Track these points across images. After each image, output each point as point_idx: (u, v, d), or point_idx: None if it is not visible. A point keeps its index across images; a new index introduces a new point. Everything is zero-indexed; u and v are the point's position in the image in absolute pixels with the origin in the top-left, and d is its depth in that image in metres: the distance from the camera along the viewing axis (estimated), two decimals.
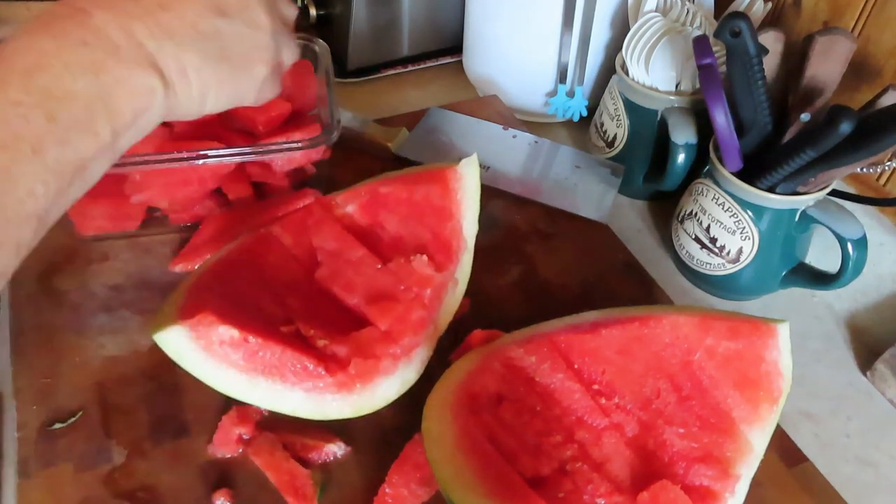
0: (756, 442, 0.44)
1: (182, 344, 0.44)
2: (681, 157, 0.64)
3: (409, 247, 0.54)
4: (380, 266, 0.52)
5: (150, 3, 0.36)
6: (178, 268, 0.56)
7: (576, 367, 0.47)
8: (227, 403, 0.46)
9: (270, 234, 0.54)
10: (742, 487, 0.43)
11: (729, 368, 0.45)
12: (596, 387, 0.47)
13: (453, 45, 0.90)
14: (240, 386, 0.45)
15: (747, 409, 0.44)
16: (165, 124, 0.58)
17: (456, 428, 0.42)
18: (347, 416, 0.45)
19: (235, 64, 0.41)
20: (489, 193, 0.67)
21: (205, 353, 0.44)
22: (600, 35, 0.75)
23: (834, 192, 0.59)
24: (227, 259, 0.52)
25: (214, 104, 0.41)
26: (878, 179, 0.63)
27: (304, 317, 0.49)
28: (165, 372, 0.49)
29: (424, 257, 0.51)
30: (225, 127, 0.57)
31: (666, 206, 0.72)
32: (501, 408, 0.44)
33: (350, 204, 0.56)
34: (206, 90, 0.40)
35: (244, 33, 0.41)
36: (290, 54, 0.48)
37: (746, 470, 0.43)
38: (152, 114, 0.37)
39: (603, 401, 0.46)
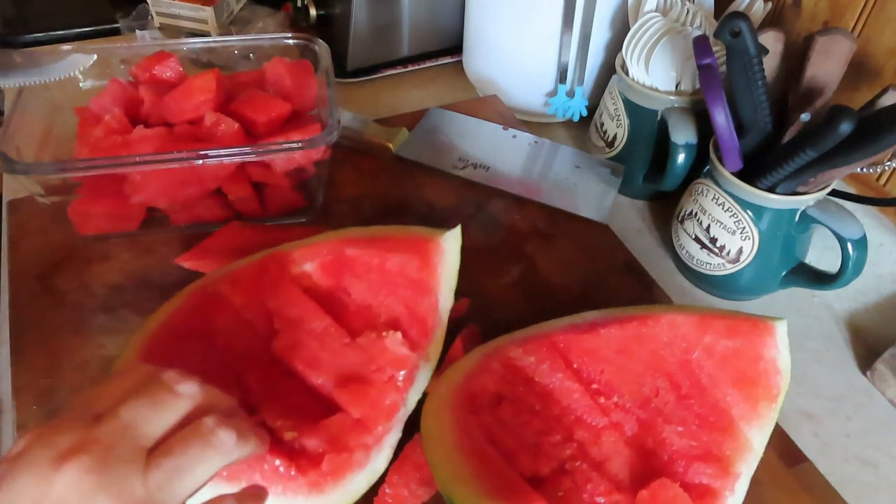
0: (755, 440, 0.44)
1: None
2: (681, 157, 0.64)
3: (378, 319, 0.49)
4: (347, 341, 0.47)
5: None
6: (186, 264, 0.56)
7: (575, 366, 0.47)
8: None
9: (218, 293, 0.49)
10: (741, 485, 0.43)
11: (727, 367, 0.45)
12: (595, 386, 0.47)
13: (453, 45, 0.90)
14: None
15: (746, 407, 0.44)
16: (166, 124, 0.58)
17: (455, 428, 0.42)
18: None
19: None
20: (489, 193, 0.67)
21: None
22: (600, 35, 0.75)
23: (834, 192, 0.59)
24: (175, 322, 0.47)
25: None
26: (878, 179, 0.63)
27: (265, 399, 0.44)
28: None
29: (399, 335, 0.47)
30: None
31: (666, 206, 0.72)
32: (501, 408, 0.45)
33: (309, 262, 0.51)
34: None
35: None
36: (198, 471, 0.31)
37: (746, 468, 0.43)
38: None
39: (602, 400, 0.46)
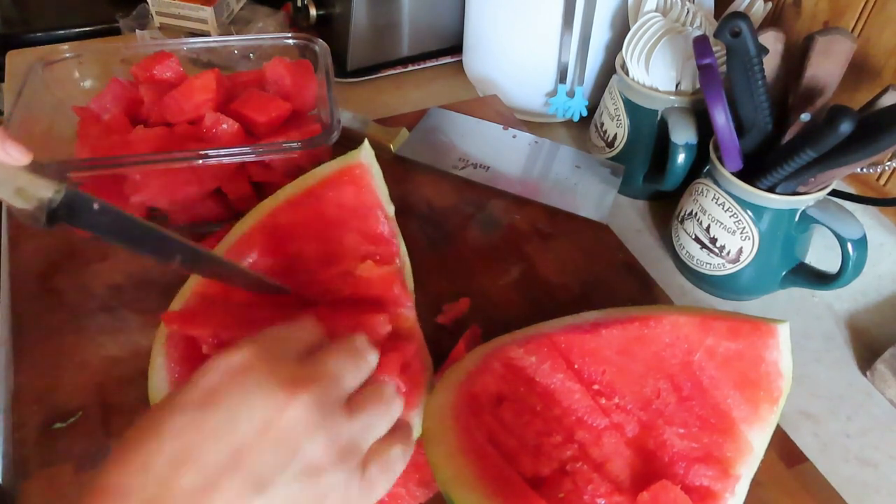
0: (756, 442, 0.44)
1: None
2: (681, 157, 0.64)
3: (345, 258, 0.50)
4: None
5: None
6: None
7: (576, 367, 0.47)
8: None
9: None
10: (742, 487, 0.43)
11: (729, 369, 0.45)
12: (596, 387, 0.46)
13: (453, 45, 0.90)
14: None
15: (747, 409, 0.44)
16: (166, 124, 0.58)
17: (457, 428, 0.42)
18: None
19: None
20: (489, 193, 0.67)
21: None
22: (600, 35, 0.75)
23: (834, 192, 0.59)
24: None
25: None
26: (878, 179, 0.63)
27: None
28: None
29: (369, 262, 0.48)
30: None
31: (666, 206, 0.72)
32: (502, 408, 0.44)
33: (251, 253, 0.50)
34: None
35: (298, 495, 0.30)
36: (382, 428, 0.35)
37: (746, 470, 0.43)
38: None
39: (603, 401, 0.46)
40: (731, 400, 0.45)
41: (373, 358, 0.36)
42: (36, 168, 0.38)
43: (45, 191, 0.38)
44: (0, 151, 0.36)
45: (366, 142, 0.53)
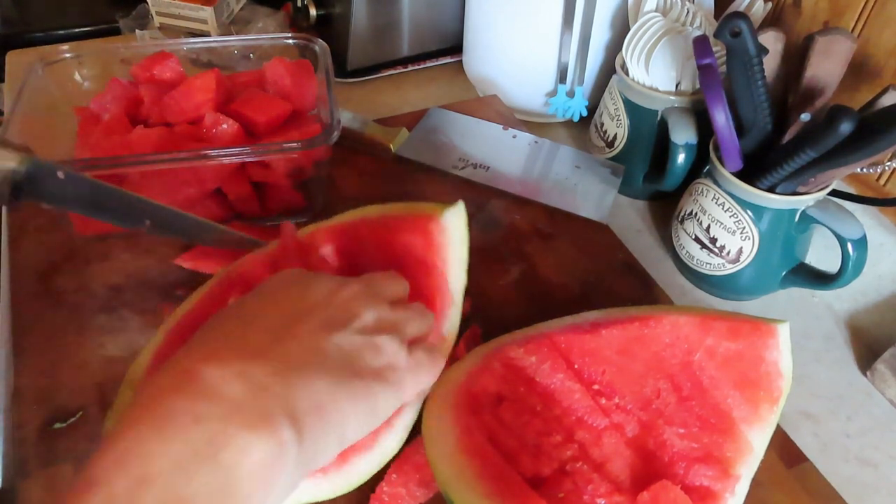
0: (756, 442, 0.44)
1: None
2: (681, 157, 0.64)
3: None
4: None
5: (262, 339, 0.33)
6: (186, 264, 0.56)
7: (576, 367, 0.47)
8: None
9: (241, 275, 0.49)
10: (742, 487, 0.43)
11: (729, 369, 0.45)
12: (596, 387, 0.46)
13: (453, 45, 0.90)
14: None
15: (747, 409, 0.44)
16: (166, 124, 0.58)
17: (457, 428, 0.42)
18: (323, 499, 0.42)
19: (367, 377, 0.35)
20: (489, 193, 0.67)
21: None
22: (600, 35, 0.75)
23: (834, 192, 0.59)
24: (200, 309, 0.48)
25: (356, 431, 0.35)
26: (878, 179, 0.63)
27: None
28: None
29: None
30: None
31: (666, 206, 0.72)
32: (502, 408, 0.44)
33: (328, 245, 0.51)
34: (344, 418, 0.34)
35: (361, 344, 0.36)
36: (416, 326, 0.41)
37: (746, 470, 0.43)
38: (287, 477, 0.31)
39: (603, 401, 0.46)
40: (731, 400, 0.45)
41: (405, 282, 0.43)
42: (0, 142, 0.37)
43: (9, 162, 0.37)
44: None
45: (461, 206, 0.49)
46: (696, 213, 0.62)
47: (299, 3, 0.89)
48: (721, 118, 0.56)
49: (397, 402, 0.38)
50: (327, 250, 0.52)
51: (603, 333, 0.47)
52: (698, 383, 0.46)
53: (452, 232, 0.49)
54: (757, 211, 0.57)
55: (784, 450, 0.49)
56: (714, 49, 0.57)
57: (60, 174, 0.39)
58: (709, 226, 0.61)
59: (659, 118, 0.68)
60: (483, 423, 0.43)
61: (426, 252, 0.48)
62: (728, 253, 0.60)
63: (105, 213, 0.41)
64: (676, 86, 0.67)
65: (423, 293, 0.48)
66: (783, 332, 0.45)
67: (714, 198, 0.60)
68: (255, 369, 0.31)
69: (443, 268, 0.48)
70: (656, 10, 0.68)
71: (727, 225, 0.59)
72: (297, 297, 0.36)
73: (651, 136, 0.69)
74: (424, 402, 0.45)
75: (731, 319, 0.46)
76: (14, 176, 0.37)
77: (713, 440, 0.44)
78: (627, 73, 0.68)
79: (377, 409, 0.36)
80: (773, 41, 0.56)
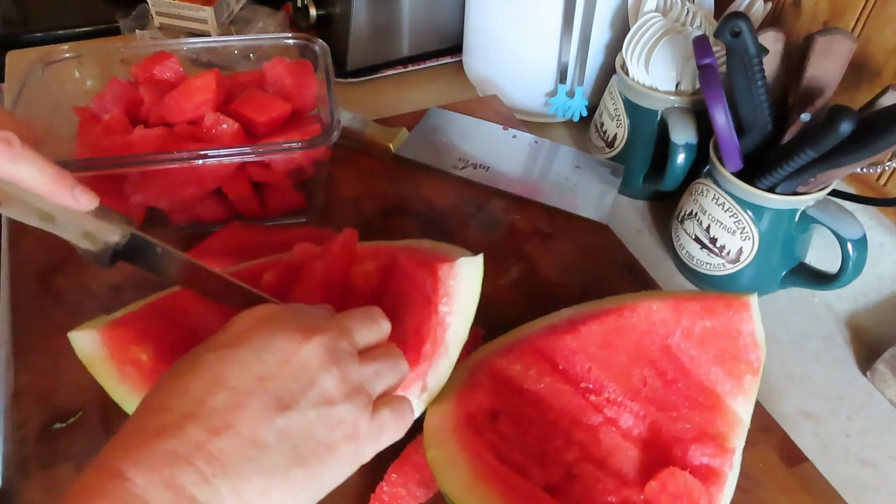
0: (743, 413, 0.44)
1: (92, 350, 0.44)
2: (681, 157, 0.64)
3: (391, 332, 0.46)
4: None
5: (199, 433, 0.31)
6: None
7: (561, 367, 0.47)
8: None
9: (286, 265, 0.49)
10: (737, 460, 0.43)
11: (708, 346, 0.46)
12: (584, 384, 0.47)
13: (453, 45, 0.90)
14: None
15: (731, 382, 0.45)
16: (166, 124, 0.58)
17: (465, 455, 0.41)
18: None
19: (312, 461, 0.34)
20: (489, 193, 0.67)
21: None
22: (600, 35, 0.75)
23: (834, 192, 0.59)
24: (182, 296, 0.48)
25: None
26: (878, 179, 0.63)
27: None
28: None
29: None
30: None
31: (666, 206, 0.72)
32: (499, 422, 0.44)
33: (371, 262, 0.51)
34: None
35: (314, 419, 0.34)
36: (385, 381, 0.38)
37: (739, 442, 0.44)
38: None
39: (593, 397, 0.46)
40: (714, 376, 0.45)
41: (385, 325, 0.41)
42: (101, 211, 0.39)
43: (112, 235, 0.40)
44: (69, 198, 0.38)
45: (479, 259, 0.46)
46: (696, 213, 0.62)
47: (299, 3, 0.89)
48: (721, 118, 0.56)
49: (351, 469, 0.36)
50: (370, 266, 0.51)
51: (582, 331, 0.47)
52: (680, 365, 0.46)
53: (464, 279, 0.46)
54: (757, 211, 0.57)
55: (784, 450, 0.49)
56: (714, 49, 0.57)
57: (158, 250, 0.42)
58: (709, 226, 0.61)
59: (659, 118, 0.68)
60: (487, 442, 0.43)
61: (434, 294, 0.46)
62: (728, 253, 0.60)
63: (196, 288, 0.44)
64: (676, 86, 0.67)
65: (419, 332, 0.46)
66: (753, 303, 0.45)
67: (714, 198, 0.60)
68: (183, 479, 0.30)
69: (444, 313, 0.46)
70: (656, 10, 0.68)
71: (727, 225, 0.59)
72: (253, 360, 0.34)
73: (651, 136, 0.69)
74: (423, 432, 0.43)
75: (703, 298, 0.46)
76: (115, 248, 0.40)
77: (704, 418, 0.44)
78: (627, 73, 0.68)
79: (323, 486, 0.34)
80: (773, 41, 0.56)
